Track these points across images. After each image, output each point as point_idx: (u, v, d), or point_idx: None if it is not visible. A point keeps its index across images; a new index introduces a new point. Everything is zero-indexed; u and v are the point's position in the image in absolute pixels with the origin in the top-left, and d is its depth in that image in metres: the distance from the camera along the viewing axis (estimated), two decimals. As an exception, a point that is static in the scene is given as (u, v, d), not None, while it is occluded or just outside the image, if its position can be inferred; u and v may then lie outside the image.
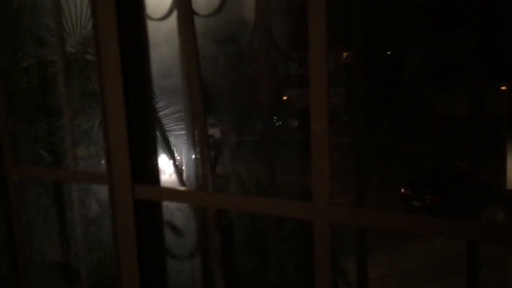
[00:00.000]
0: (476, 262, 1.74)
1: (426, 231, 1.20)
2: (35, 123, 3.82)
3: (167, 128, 4.09)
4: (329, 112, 1.19)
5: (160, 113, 4.01)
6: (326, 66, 1.17)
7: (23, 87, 4.09)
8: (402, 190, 12.96)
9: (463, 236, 1.15)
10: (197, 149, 1.94)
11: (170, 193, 1.46)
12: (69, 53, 4.20)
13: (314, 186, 1.24)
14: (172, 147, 4.15)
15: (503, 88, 15.12)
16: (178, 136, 4.15)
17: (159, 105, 3.97)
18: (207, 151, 1.91)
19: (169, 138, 4.13)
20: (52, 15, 1.71)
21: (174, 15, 1.60)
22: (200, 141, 1.94)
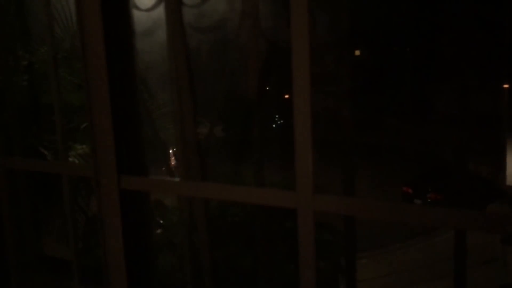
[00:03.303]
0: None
1: (407, 219, 1.19)
2: (32, 119, 3.83)
3: (159, 123, 4.08)
4: (311, 104, 1.20)
5: (150, 107, 4.00)
6: (309, 64, 1.18)
7: (24, 85, 4.10)
8: (403, 188, 12.85)
9: (449, 225, 1.15)
10: (186, 144, 1.93)
11: (156, 183, 1.46)
12: (71, 48, 4.21)
13: (298, 175, 1.24)
14: (162, 142, 4.14)
15: (505, 86, 15.05)
16: (168, 130, 4.13)
17: (149, 100, 3.96)
18: (196, 145, 1.90)
19: (160, 133, 4.12)
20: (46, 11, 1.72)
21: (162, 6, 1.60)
22: (189, 136, 1.94)
